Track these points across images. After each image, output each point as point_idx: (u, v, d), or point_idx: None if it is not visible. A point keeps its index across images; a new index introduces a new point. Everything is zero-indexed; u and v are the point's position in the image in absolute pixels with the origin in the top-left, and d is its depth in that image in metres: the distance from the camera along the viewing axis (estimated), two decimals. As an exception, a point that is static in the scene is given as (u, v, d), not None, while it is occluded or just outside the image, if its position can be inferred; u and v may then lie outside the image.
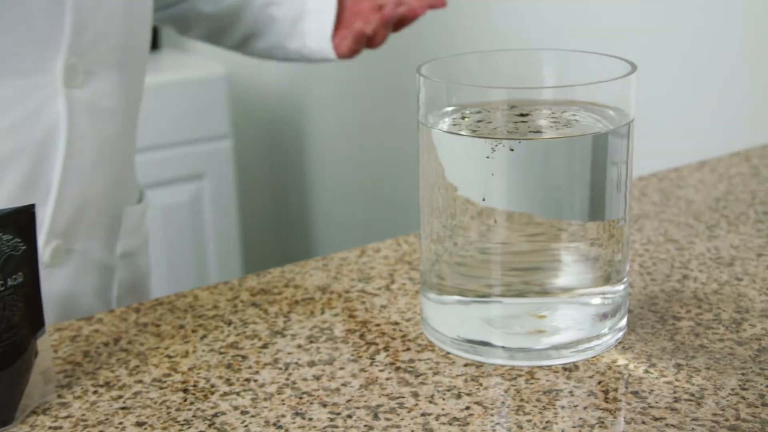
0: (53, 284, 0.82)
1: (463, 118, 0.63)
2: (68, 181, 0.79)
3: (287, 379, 0.62)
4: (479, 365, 0.62)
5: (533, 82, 0.67)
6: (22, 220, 0.57)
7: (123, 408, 0.59)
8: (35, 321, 0.59)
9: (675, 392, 0.58)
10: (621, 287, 0.65)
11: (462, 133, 0.61)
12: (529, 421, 0.56)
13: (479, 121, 0.63)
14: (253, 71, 2.29)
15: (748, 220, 0.85)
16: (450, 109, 0.64)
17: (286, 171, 2.35)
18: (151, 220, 1.94)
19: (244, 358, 0.65)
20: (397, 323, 0.69)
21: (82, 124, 0.79)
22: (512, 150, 0.59)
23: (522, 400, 0.58)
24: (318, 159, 2.23)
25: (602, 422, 0.55)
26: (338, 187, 2.19)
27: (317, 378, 0.62)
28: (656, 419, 0.55)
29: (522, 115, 0.62)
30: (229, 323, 0.70)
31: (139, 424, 0.57)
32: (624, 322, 0.65)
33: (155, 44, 2.09)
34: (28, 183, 0.78)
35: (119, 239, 0.89)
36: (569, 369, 0.61)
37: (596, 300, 0.64)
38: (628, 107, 0.62)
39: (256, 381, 0.62)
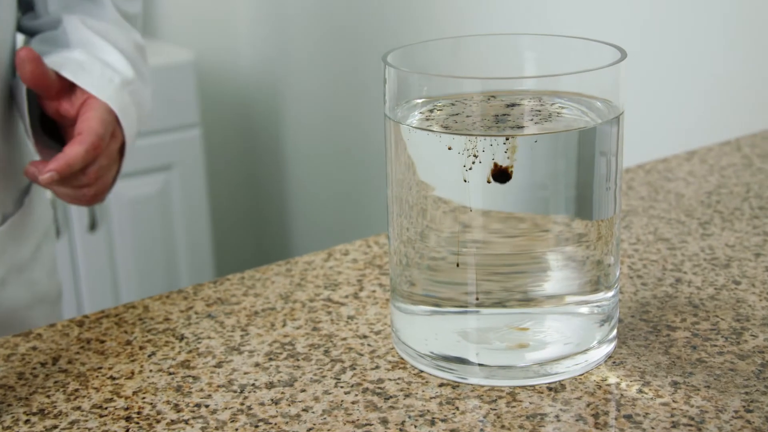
0: None
1: (432, 111, 0.57)
2: None
3: (242, 404, 0.55)
4: (455, 385, 0.56)
5: (513, 70, 0.60)
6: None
7: (57, 440, 0.53)
8: (-44, 344, 0.52)
9: (673, 416, 0.52)
10: (611, 294, 0.59)
11: (434, 129, 0.55)
12: (510, 451, 0.50)
13: (454, 115, 0.56)
14: (222, 56, 2.22)
15: (743, 216, 0.79)
16: (420, 101, 0.58)
17: (258, 160, 2.28)
18: (118, 212, 1.87)
19: (196, 379, 0.58)
20: (365, 336, 0.63)
21: None
22: (489, 182, 0.53)
23: (503, 426, 0.52)
24: (292, 147, 2.16)
25: (592, 452, 0.50)
26: (313, 177, 2.13)
27: (276, 402, 0.55)
28: (652, 448, 0.50)
29: (500, 107, 0.56)
30: (181, 338, 0.64)
31: (73, 460, 0.51)
32: (614, 333, 0.60)
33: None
34: None
35: None
36: (555, 389, 0.55)
37: (584, 309, 0.58)
38: (617, 98, 0.56)
39: (207, 407, 0.55)
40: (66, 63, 0.78)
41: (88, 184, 0.77)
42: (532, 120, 0.56)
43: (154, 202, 1.94)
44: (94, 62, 0.79)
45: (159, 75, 1.90)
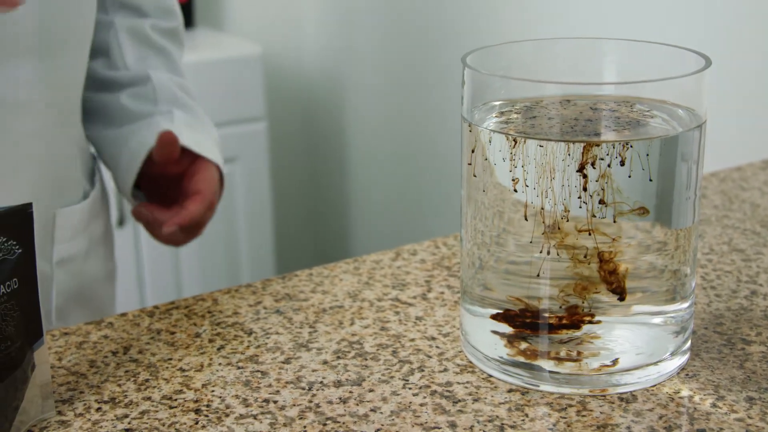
0: None
1: (510, 113, 0.56)
2: None
3: (310, 402, 0.55)
4: (525, 391, 0.56)
5: (593, 75, 0.60)
6: (18, 220, 0.51)
7: (127, 430, 0.53)
8: (32, 331, 0.53)
9: (748, 432, 0.51)
10: (686, 304, 0.58)
11: (511, 133, 0.54)
12: (581, 461, 0.49)
13: (532, 118, 0.56)
14: (290, 51, 2.23)
15: (821, 229, 0.77)
16: (498, 103, 0.57)
17: (322, 155, 2.29)
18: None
19: (264, 374, 0.59)
20: (433, 338, 0.62)
21: None
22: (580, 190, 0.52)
23: (573, 435, 0.51)
24: (356, 144, 2.16)
25: (665, 466, 0.49)
26: (378, 175, 2.13)
27: (344, 401, 0.55)
28: (727, 464, 0.49)
29: (580, 112, 0.55)
30: (250, 333, 0.64)
31: (144, 450, 0.52)
32: (688, 345, 0.59)
33: (189, 22, 2.03)
34: None
35: (55, 244, 0.80)
36: (626, 399, 0.55)
37: (658, 319, 0.57)
38: (700, 107, 0.55)
39: (275, 402, 0.56)
40: (181, 131, 0.83)
41: (193, 235, 0.85)
42: (611, 127, 0.55)
43: (218, 193, 1.95)
44: (202, 127, 0.87)
45: (227, 67, 1.92)
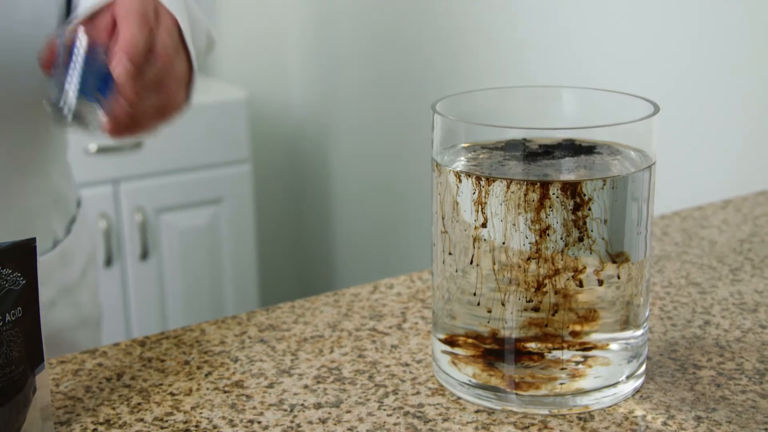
0: None
1: (475, 156, 0.61)
2: None
3: (292, 422, 0.60)
4: (491, 411, 0.60)
5: (552, 119, 0.65)
6: (23, 254, 0.55)
7: (122, 448, 0.58)
8: (34, 356, 0.57)
9: (694, 447, 0.56)
10: (640, 332, 0.63)
11: (476, 173, 0.59)
12: (540, 474, 0.54)
13: (496, 161, 0.61)
14: (274, 95, 2.29)
15: (773, 264, 0.82)
16: (465, 146, 0.62)
17: (305, 196, 2.34)
18: (168, 243, 1.94)
19: (249, 397, 0.63)
20: (407, 365, 0.67)
21: None
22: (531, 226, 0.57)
23: (534, 451, 0.56)
24: (338, 184, 2.21)
25: (617, 477, 0.53)
26: (359, 214, 2.18)
27: (323, 421, 0.60)
28: (674, 476, 0.53)
29: (538, 155, 0.60)
30: (236, 360, 0.68)
31: (137, 467, 0.56)
32: (642, 369, 0.63)
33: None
34: None
35: None
36: (584, 419, 0.59)
37: (614, 345, 0.61)
38: (650, 149, 0.60)
39: (259, 423, 0.60)
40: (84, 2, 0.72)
41: (162, 69, 0.69)
42: (568, 167, 0.60)
43: (203, 234, 2.00)
44: None
45: (213, 112, 1.97)
